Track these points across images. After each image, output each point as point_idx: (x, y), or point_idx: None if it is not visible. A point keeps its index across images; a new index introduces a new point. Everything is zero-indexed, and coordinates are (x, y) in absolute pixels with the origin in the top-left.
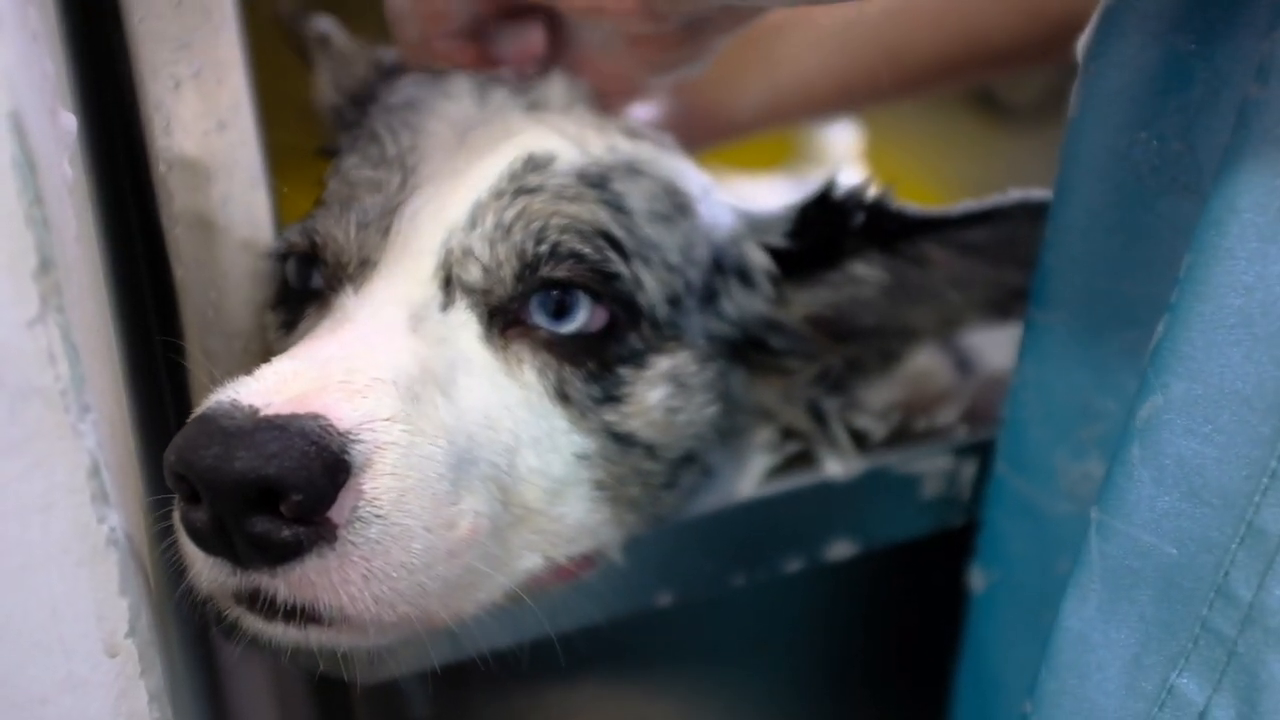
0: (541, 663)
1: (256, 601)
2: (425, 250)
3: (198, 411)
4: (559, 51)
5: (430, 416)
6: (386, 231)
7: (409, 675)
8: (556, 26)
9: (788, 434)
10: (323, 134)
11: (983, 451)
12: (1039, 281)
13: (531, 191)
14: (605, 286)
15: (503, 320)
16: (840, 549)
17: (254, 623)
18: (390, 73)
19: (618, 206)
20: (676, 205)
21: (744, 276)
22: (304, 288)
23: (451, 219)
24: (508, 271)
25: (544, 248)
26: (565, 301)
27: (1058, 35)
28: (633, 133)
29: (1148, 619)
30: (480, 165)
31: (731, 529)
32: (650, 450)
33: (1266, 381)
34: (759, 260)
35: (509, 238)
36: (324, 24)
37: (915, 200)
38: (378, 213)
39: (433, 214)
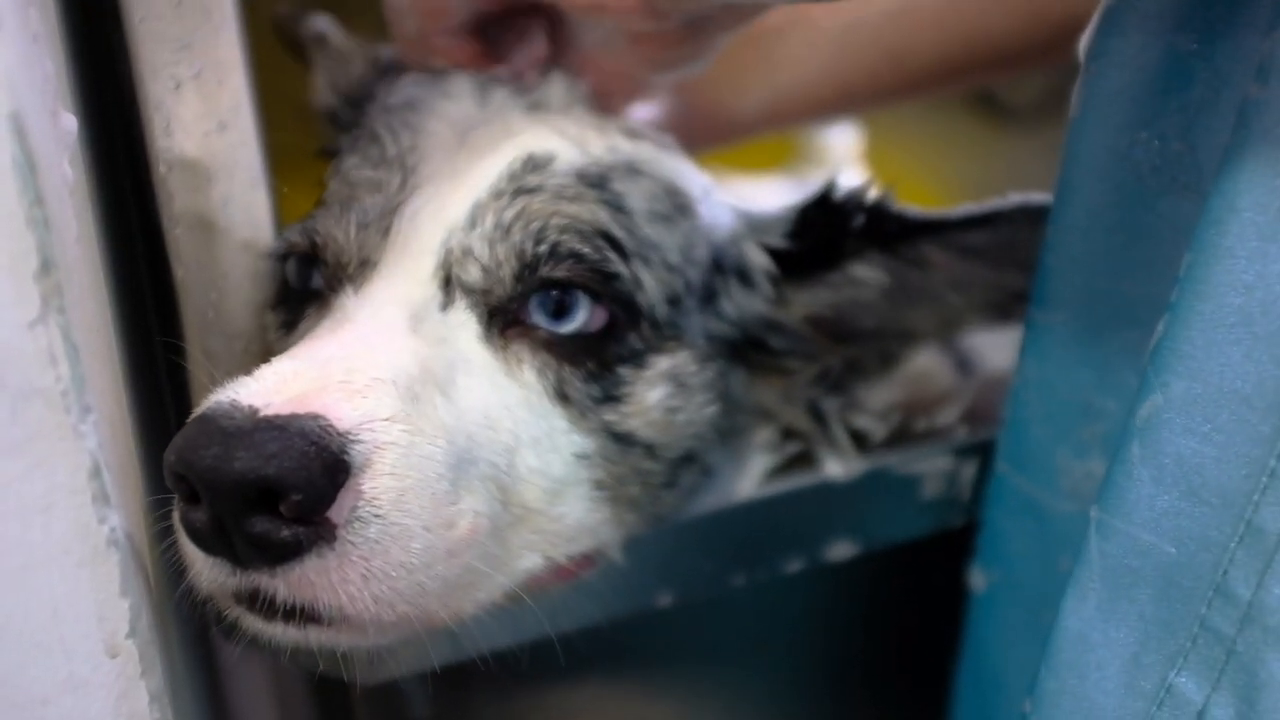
0: (542, 663)
1: (256, 601)
2: (425, 250)
3: (197, 412)
4: (560, 50)
5: (430, 416)
6: (386, 231)
7: (409, 675)
8: (557, 24)
9: (788, 434)
10: (323, 134)
11: (983, 452)
12: (1040, 281)
13: (531, 191)
14: (605, 286)
15: (502, 320)
16: (840, 549)
17: (254, 623)
18: (388, 70)
19: (618, 206)
20: (676, 205)
21: (744, 277)
22: (304, 288)
23: (451, 219)
24: (507, 271)
25: (543, 248)
26: (565, 301)
27: (1059, 36)
28: (633, 133)
29: (1147, 618)
30: (480, 165)
31: (731, 529)
32: (650, 450)
33: (1266, 380)
34: (759, 260)
35: (509, 238)
36: (321, 23)
37: (916, 202)
38: (378, 213)
39: (433, 214)
